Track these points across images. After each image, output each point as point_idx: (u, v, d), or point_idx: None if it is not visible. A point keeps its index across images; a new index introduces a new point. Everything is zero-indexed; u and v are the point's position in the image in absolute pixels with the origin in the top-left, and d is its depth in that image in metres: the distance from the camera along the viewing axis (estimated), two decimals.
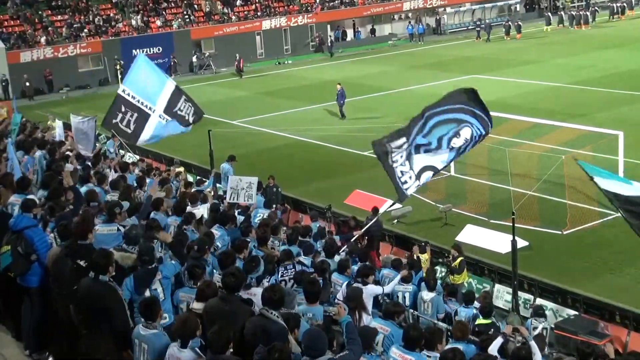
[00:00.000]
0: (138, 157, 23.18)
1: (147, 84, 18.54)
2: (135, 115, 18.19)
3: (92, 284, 7.94)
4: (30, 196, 11.07)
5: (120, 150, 23.21)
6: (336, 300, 10.00)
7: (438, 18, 62.93)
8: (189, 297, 8.73)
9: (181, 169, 23.08)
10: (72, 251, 8.79)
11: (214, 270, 10.19)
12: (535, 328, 12.25)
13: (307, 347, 6.66)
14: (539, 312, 13.00)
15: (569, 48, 48.71)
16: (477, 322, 11.72)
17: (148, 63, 19.23)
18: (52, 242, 9.62)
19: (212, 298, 7.87)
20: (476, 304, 12.73)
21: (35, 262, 9.27)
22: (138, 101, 18.26)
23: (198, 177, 21.95)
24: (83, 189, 13.60)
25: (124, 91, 18.58)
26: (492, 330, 11.05)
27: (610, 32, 55.38)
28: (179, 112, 18.44)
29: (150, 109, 18.34)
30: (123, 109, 18.28)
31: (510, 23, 57.10)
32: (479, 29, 57.37)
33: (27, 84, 45.07)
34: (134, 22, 52.67)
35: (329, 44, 56.29)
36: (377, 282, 12.02)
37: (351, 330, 7.41)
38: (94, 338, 7.96)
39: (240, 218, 14.22)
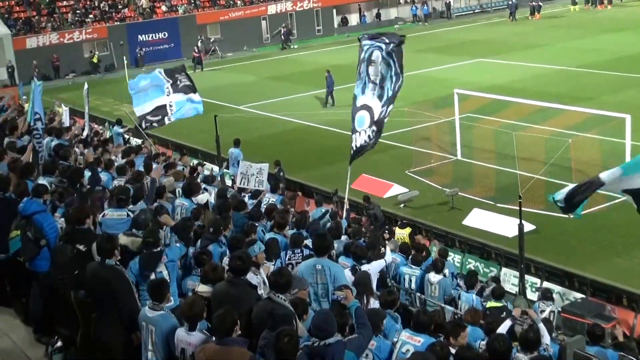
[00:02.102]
0: (142, 141, 23.18)
1: (148, 90, 19.38)
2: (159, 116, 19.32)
3: (98, 269, 8.00)
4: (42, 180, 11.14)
5: (126, 136, 23.27)
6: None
7: (448, 2, 62.41)
8: (197, 285, 8.74)
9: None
10: (69, 237, 8.86)
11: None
12: (542, 311, 12.27)
13: (316, 327, 6.67)
14: (546, 295, 13.02)
15: (580, 31, 48.23)
16: (488, 306, 11.72)
17: (140, 79, 20.01)
18: (61, 227, 9.67)
19: (219, 282, 7.90)
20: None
21: (44, 247, 9.34)
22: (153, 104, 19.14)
23: (197, 162, 21.90)
24: (89, 174, 13.68)
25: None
26: (505, 313, 11.05)
27: (629, 12, 54.54)
28: (180, 83, 19.47)
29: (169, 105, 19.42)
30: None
31: (533, 3, 56.60)
32: (510, 9, 56.99)
33: (37, 70, 45.01)
34: (139, 8, 52.56)
35: (283, 35, 53.83)
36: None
37: (361, 315, 7.40)
38: (103, 321, 8.03)
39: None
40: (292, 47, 53.36)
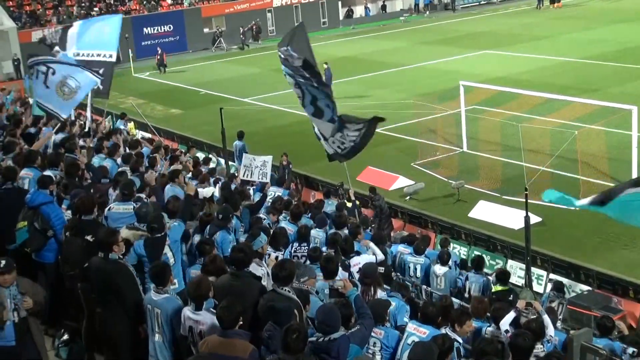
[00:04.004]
0: (149, 134, 23.20)
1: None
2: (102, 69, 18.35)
3: (102, 263, 8.03)
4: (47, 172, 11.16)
5: (129, 126, 23.27)
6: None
7: None
8: None
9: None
10: (77, 229, 8.87)
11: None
12: (552, 301, 12.26)
13: (320, 322, 6.67)
14: (559, 287, 13.00)
15: (587, 22, 47.91)
16: (494, 290, 11.72)
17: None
18: (68, 219, 9.68)
19: (219, 273, 7.88)
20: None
21: (51, 238, 9.36)
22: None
23: (204, 156, 21.86)
24: (95, 161, 13.71)
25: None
26: (511, 296, 11.04)
27: None
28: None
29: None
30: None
31: None
32: None
33: None
34: (144, 1, 52.47)
35: (243, 35, 51.28)
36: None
37: (361, 304, 7.42)
38: (108, 315, 8.04)
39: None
40: (258, 45, 51.46)
